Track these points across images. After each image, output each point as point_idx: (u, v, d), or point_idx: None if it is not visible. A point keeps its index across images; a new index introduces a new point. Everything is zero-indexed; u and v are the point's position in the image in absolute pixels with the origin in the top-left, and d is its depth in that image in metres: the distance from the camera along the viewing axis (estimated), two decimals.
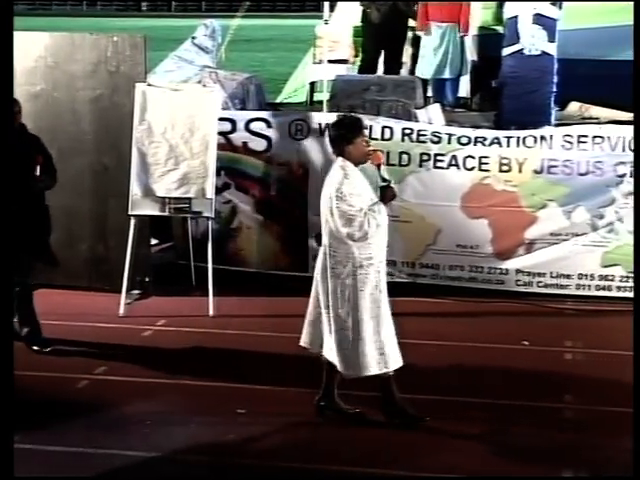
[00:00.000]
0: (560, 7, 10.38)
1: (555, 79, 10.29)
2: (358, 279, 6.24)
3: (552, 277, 9.15)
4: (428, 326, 8.27)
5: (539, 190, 9.11)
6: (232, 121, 9.54)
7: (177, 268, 9.62)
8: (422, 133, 9.25)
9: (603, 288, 9.08)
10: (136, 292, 9.09)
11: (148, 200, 8.74)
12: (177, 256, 9.81)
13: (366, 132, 6.46)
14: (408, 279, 9.23)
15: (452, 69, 11.39)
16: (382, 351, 6.30)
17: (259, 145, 9.55)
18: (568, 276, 9.12)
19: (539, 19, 10.27)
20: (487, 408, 6.79)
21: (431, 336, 7.97)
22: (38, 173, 7.55)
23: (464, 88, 11.79)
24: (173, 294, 9.14)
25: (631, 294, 8.94)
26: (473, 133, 9.25)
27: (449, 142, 9.21)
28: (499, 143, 9.16)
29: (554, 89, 10.31)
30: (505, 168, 9.14)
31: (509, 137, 9.16)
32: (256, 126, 9.54)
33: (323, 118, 9.44)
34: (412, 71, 11.71)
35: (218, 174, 9.11)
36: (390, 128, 9.25)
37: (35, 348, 7.63)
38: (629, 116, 10.01)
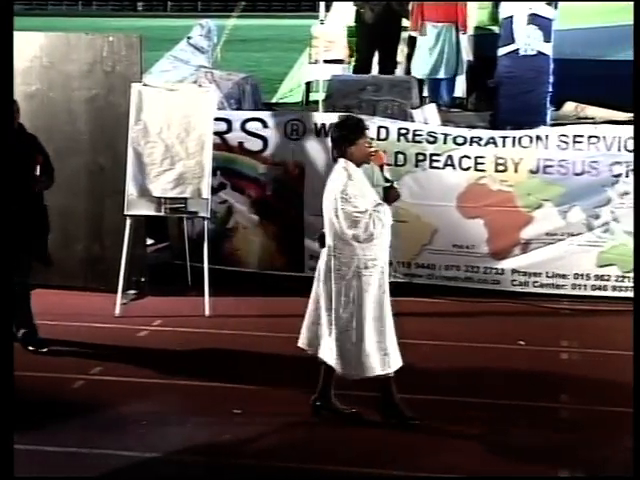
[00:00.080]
0: (556, 7, 10.38)
1: (551, 79, 10.30)
2: (363, 280, 6.24)
3: (548, 277, 9.16)
4: (424, 326, 8.26)
5: (535, 190, 9.12)
6: (228, 121, 9.53)
7: (173, 268, 9.62)
8: (418, 133, 9.25)
9: (599, 288, 9.09)
10: (132, 292, 9.08)
11: (144, 200, 8.74)
12: (173, 256, 9.80)
13: (368, 132, 6.47)
14: (404, 279, 9.23)
15: (448, 69, 11.40)
16: (385, 352, 6.31)
17: (255, 145, 9.54)
18: (564, 276, 9.13)
19: (535, 19, 10.27)
20: (484, 408, 6.79)
21: (427, 336, 7.97)
22: (38, 173, 7.56)
23: (460, 88, 11.80)
24: (169, 294, 9.14)
25: (627, 294, 8.96)
26: (469, 133, 9.26)
27: (445, 142, 9.22)
28: (495, 143, 9.17)
29: (550, 89, 10.31)
30: (501, 168, 9.15)
31: (505, 137, 9.17)
32: (252, 126, 9.54)
33: (320, 118, 9.45)
34: (408, 71, 11.71)
35: (214, 174, 9.10)
36: (386, 128, 9.25)
37: (31, 348, 7.62)
38: (625, 116, 10.04)
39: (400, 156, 9.19)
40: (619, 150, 8.96)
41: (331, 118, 9.36)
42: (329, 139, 9.10)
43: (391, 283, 6.46)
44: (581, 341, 8.07)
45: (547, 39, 10.26)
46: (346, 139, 6.27)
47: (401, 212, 9.03)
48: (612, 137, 8.98)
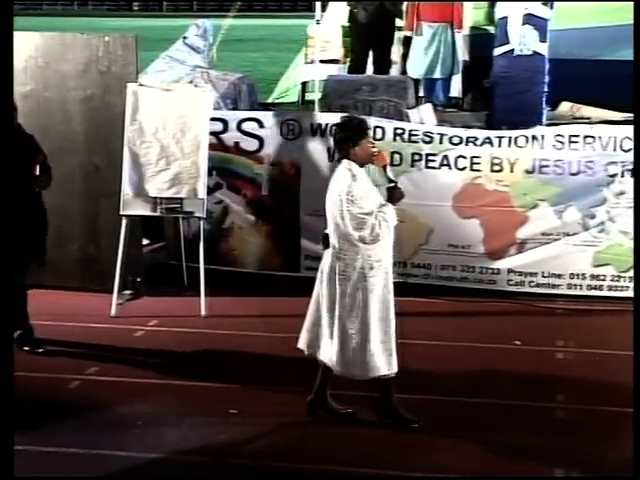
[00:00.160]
0: (551, 7, 10.40)
1: (546, 79, 10.31)
2: (368, 281, 6.24)
3: (544, 277, 9.16)
4: (420, 326, 8.26)
5: (530, 190, 9.13)
6: (224, 121, 9.53)
7: (169, 268, 9.61)
8: (414, 133, 9.25)
9: (594, 288, 9.10)
10: (128, 292, 9.08)
11: (140, 200, 8.73)
12: (169, 256, 9.80)
13: (371, 133, 6.47)
14: (400, 279, 9.21)
15: (443, 69, 11.41)
16: (390, 352, 6.31)
17: (251, 145, 9.54)
18: (559, 276, 9.13)
19: (530, 19, 10.29)
20: (480, 408, 6.80)
21: (423, 336, 7.97)
22: (38, 173, 7.56)
23: (456, 88, 11.81)
24: (165, 294, 9.13)
25: (622, 293, 8.98)
26: (465, 133, 9.26)
27: (441, 142, 9.22)
28: (491, 143, 9.18)
29: (545, 89, 10.33)
30: (497, 168, 9.16)
31: (500, 137, 9.18)
32: (248, 126, 9.54)
33: (317, 118, 9.45)
34: (404, 71, 11.71)
35: (210, 174, 9.10)
36: (382, 128, 9.25)
37: (26, 349, 7.61)
38: (620, 116, 10.05)
39: (396, 156, 9.19)
40: (615, 150, 8.97)
41: (327, 118, 9.42)
42: (325, 139, 9.34)
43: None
44: (577, 341, 8.07)
45: (543, 39, 10.28)
46: (349, 140, 6.27)
47: (397, 212, 9.05)
48: (608, 137, 8.99)
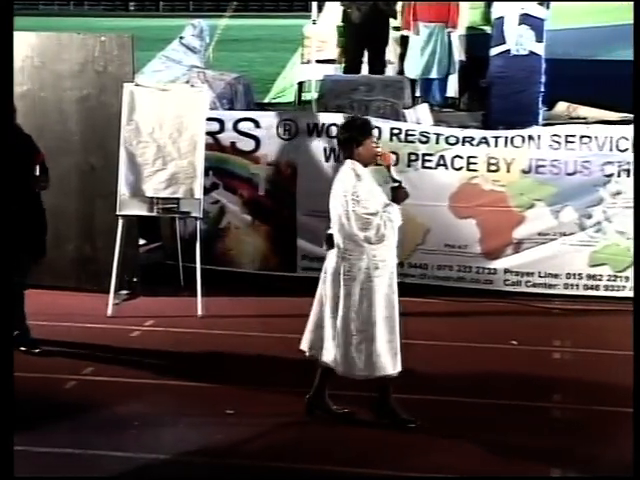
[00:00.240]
0: (548, 7, 10.40)
1: (543, 79, 10.31)
2: (374, 281, 6.24)
3: (540, 277, 9.16)
4: (416, 326, 8.24)
5: (527, 190, 9.13)
6: (220, 121, 9.52)
7: (165, 268, 9.60)
8: (410, 133, 9.25)
9: (591, 287, 9.11)
10: (124, 292, 9.07)
11: (136, 200, 8.72)
12: (165, 256, 9.79)
13: (383, 133, 6.46)
14: (397, 279, 9.21)
15: (440, 69, 11.41)
16: (395, 351, 6.32)
17: (247, 145, 9.54)
18: (556, 275, 9.14)
19: (527, 19, 10.29)
20: (477, 407, 6.80)
21: (419, 336, 7.96)
22: (38, 173, 7.56)
23: (452, 88, 11.81)
24: (161, 294, 9.12)
25: (619, 293, 8.99)
26: (461, 133, 9.26)
27: (437, 142, 9.22)
28: (487, 143, 9.18)
29: (542, 89, 10.33)
30: (493, 168, 9.16)
31: (497, 137, 9.18)
32: (244, 126, 9.53)
33: (319, 118, 9.45)
34: (401, 71, 11.71)
35: (206, 174, 9.09)
36: (378, 128, 9.22)
37: (23, 349, 7.60)
38: (617, 116, 10.06)
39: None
40: (611, 150, 8.98)
41: (324, 118, 9.42)
42: (321, 139, 9.34)
43: None
44: (574, 340, 8.08)
45: (539, 39, 10.28)
46: (353, 140, 6.27)
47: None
48: (604, 137, 8.99)
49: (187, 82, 10.00)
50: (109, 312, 8.56)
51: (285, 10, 51.93)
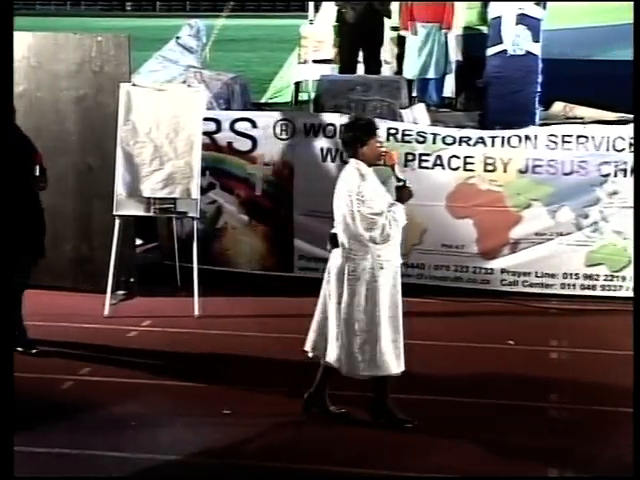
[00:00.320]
0: (544, 7, 10.41)
1: (539, 79, 10.33)
2: (379, 281, 6.23)
3: (537, 276, 9.17)
4: (413, 326, 8.20)
5: (524, 190, 9.14)
6: (217, 121, 9.52)
7: (162, 268, 9.60)
8: (407, 133, 9.25)
9: (587, 287, 9.11)
10: (121, 292, 9.07)
11: (133, 200, 8.72)
12: (162, 256, 9.79)
13: (380, 133, 6.46)
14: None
15: (437, 69, 11.42)
16: (399, 351, 6.32)
17: (244, 145, 9.53)
18: (553, 275, 9.14)
19: (523, 19, 10.30)
20: (473, 407, 6.80)
21: (416, 335, 7.92)
22: (38, 173, 7.57)
23: (449, 88, 11.81)
24: (158, 294, 9.12)
25: (615, 293, 9.00)
26: (458, 133, 9.27)
27: (434, 142, 9.22)
28: (484, 143, 9.18)
29: (538, 89, 10.34)
30: (490, 168, 9.16)
31: (494, 137, 9.18)
32: (241, 126, 9.53)
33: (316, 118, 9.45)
34: (399, 71, 11.71)
35: (203, 174, 9.09)
36: None
37: (20, 349, 7.59)
38: (613, 116, 10.07)
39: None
40: (608, 150, 8.98)
41: (321, 118, 9.43)
42: (318, 139, 9.34)
43: None
44: (570, 340, 8.08)
45: (536, 39, 10.29)
46: (358, 140, 6.26)
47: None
48: (601, 137, 9.00)
49: (184, 82, 10.00)
50: (106, 312, 8.55)
51: (282, 10, 51.90)
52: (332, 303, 6.34)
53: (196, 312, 8.57)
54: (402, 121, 9.74)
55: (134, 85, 8.81)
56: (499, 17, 10.41)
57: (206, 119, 9.21)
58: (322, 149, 9.35)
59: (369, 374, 6.33)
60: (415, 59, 11.41)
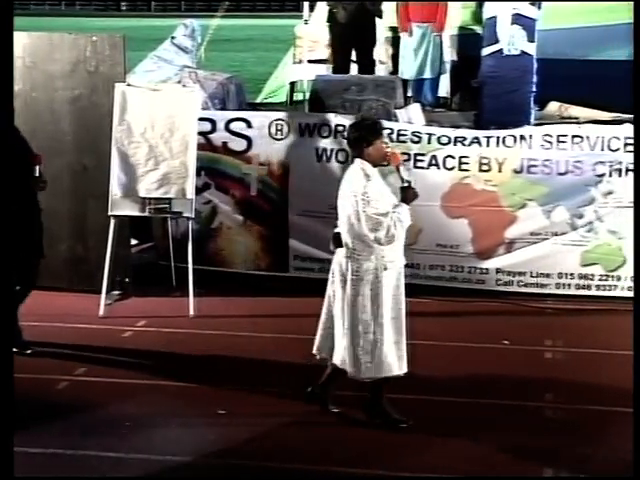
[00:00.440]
0: (539, 7, 10.40)
1: (535, 79, 10.31)
2: (382, 282, 6.23)
3: (532, 276, 9.17)
4: (409, 326, 8.24)
5: (519, 190, 9.14)
6: (212, 121, 9.51)
7: (157, 268, 9.60)
8: (402, 133, 9.26)
9: (583, 287, 9.12)
10: (116, 293, 9.06)
11: (128, 200, 8.71)
12: (157, 256, 9.78)
13: (386, 133, 6.45)
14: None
15: (432, 69, 11.41)
16: (401, 352, 6.31)
17: (239, 145, 9.53)
18: (548, 275, 9.15)
19: (518, 19, 10.28)
20: (470, 407, 6.79)
21: (411, 335, 7.93)
22: (37, 174, 7.58)
23: (444, 88, 11.80)
24: (153, 295, 9.12)
25: (610, 293, 9.01)
26: (453, 133, 9.27)
27: (429, 142, 9.23)
28: (479, 143, 9.19)
29: (534, 89, 10.33)
30: (485, 168, 9.17)
31: (489, 137, 9.19)
32: (236, 126, 9.53)
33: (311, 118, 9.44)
34: (394, 71, 11.70)
35: (198, 174, 9.08)
36: None
37: (14, 350, 7.58)
38: (608, 116, 10.06)
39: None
40: (602, 150, 8.99)
41: (316, 118, 9.43)
42: (313, 139, 9.33)
43: None
44: (565, 340, 8.09)
45: (531, 39, 10.28)
46: (363, 140, 6.25)
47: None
48: (596, 137, 9.01)
49: (179, 82, 9.99)
50: (101, 312, 8.55)
51: (277, 10, 51.94)
52: (336, 304, 6.34)
53: (191, 312, 8.57)
54: (397, 121, 9.73)
55: (129, 85, 8.80)
56: (494, 17, 10.39)
57: (201, 119, 9.20)
58: (317, 149, 9.35)
59: (372, 377, 6.32)
60: (412, 60, 11.40)
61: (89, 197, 9.10)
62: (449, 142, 9.20)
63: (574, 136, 9.05)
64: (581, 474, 5.89)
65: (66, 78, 9.09)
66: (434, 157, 9.20)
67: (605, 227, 9.02)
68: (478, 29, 11.22)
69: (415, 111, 10.22)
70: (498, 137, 9.16)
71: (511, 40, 10.29)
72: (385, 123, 9.31)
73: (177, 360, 7.67)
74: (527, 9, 10.31)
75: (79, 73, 9.06)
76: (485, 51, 10.49)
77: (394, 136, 9.22)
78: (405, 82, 11.28)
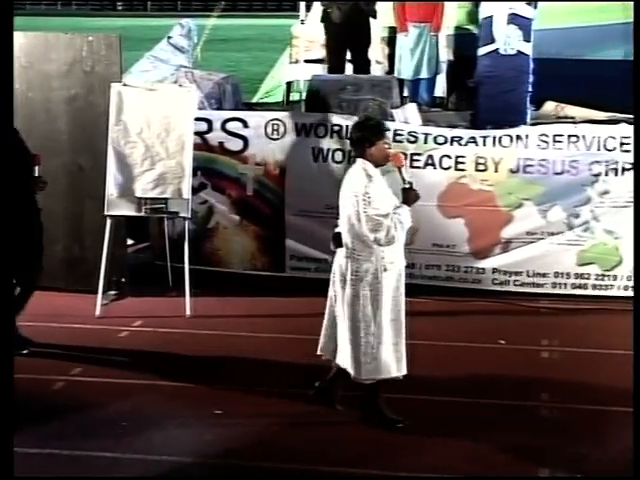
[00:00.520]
0: (535, 7, 10.41)
1: (531, 79, 10.32)
2: (382, 283, 6.22)
3: (528, 276, 9.18)
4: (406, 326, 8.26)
5: (515, 189, 9.14)
6: (208, 121, 9.51)
7: (153, 268, 9.59)
8: (399, 133, 9.26)
9: (579, 286, 9.13)
10: (112, 293, 9.06)
11: (124, 200, 8.71)
12: (153, 256, 9.78)
13: (389, 134, 6.45)
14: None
15: (429, 69, 11.42)
16: (400, 353, 6.31)
17: (235, 145, 9.53)
18: (544, 275, 9.15)
19: (515, 19, 10.28)
20: (466, 407, 6.80)
21: (408, 335, 7.96)
22: (37, 174, 7.58)
23: (440, 88, 11.81)
24: (150, 295, 9.11)
25: (606, 292, 9.02)
26: (449, 132, 9.27)
27: (425, 142, 9.23)
28: (475, 142, 9.19)
29: (530, 88, 10.33)
30: (481, 167, 9.17)
31: (485, 136, 9.19)
32: (232, 126, 9.52)
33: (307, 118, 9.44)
34: (390, 70, 11.70)
35: (194, 174, 9.08)
36: None
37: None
38: (604, 115, 10.07)
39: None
40: (599, 149, 9.00)
41: (312, 118, 9.43)
42: (309, 139, 9.33)
43: None
44: (561, 339, 8.09)
45: (527, 39, 10.28)
46: (366, 140, 6.24)
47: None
48: (592, 136, 9.01)
49: (175, 82, 9.98)
50: (97, 312, 8.54)
51: (273, 10, 51.89)
52: (338, 305, 6.34)
53: (187, 312, 8.57)
54: (393, 121, 9.73)
55: (125, 85, 8.80)
56: (490, 17, 10.39)
57: (197, 119, 9.20)
58: (314, 149, 9.35)
59: (371, 378, 6.32)
60: (408, 60, 11.40)
61: (85, 197, 9.10)
62: (445, 142, 9.21)
63: (570, 136, 9.06)
64: (580, 474, 5.90)
65: (62, 78, 9.09)
66: (430, 157, 9.20)
67: (601, 227, 9.02)
68: (474, 29, 11.23)
69: (411, 111, 10.22)
70: (494, 137, 9.17)
71: (507, 40, 10.29)
72: None
73: (173, 360, 7.66)
74: (523, 9, 10.31)
75: (75, 73, 9.05)
76: (481, 51, 10.49)
77: (390, 136, 9.20)
78: (401, 82, 11.28)
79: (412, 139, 9.24)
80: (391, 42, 11.83)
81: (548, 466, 5.97)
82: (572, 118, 10.22)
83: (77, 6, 59.52)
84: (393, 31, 11.82)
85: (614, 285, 9.04)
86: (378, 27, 11.82)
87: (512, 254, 9.19)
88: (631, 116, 9.15)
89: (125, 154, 8.67)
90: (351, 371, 6.32)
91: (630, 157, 8.87)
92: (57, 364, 7.49)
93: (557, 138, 9.08)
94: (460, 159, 9.18)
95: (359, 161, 6.27)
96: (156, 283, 9.28)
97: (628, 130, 8.93)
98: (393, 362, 6.29)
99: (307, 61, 12.43)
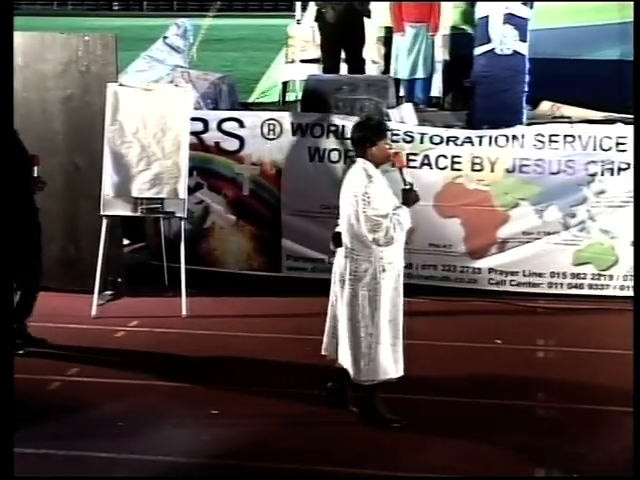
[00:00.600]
0: (531, 7, 10.41)
1: (527, 78, 10.32)
2: (380, 283, 6.21)
3: (524, 276, 9.18)
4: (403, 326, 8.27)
5: (511, 189, 9.15)
6: (204, 121, 9.50)
7: (150, 268, 9.58)
8: (395, 132, 9.24)
9: (575, 286, 9.13)
10: (108, 293, 9.05)
11: (120, 200, 8.70)
12: (150, 256, 9.77)
13: (389, 134, 6.43)
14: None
15: (425, 69, 11.42)
16: (398, 355, 6.31)
17: (231, 145, 9.52)
18: (540, 274, 9.15)
19: (511, 19, 10.28)
20: (463, 407, 6.80)
21: (404, 335, 7.96)
22: (36, 174, 7.57)
23: (436, 87, 11.81)
24: (146, 295, 9.10)
25: (603, 292, 9.02)
26: (445, 132, 9.27)
27: (421, 141, 9.23)
28: (471, 142, 9.19)
29: (526, 88, 10.33)
30: (477, 167, 9.17)
31: (481, 136, 9.19)
32: (228, 126, 9.52)
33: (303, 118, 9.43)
34: (386, 70, 11.70)
35: (190, 174, 9.07)
36: None
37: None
38: (600, 115, 10.08)
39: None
40: (595, 149, 9.00)
41: (308, 118, 9.43)
42: (305, 139, 9.33)
43: None
44: (558, 339, 8.09)
45: (523, 38, 10.28)
46: (367, 140, 6.23)
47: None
48: (588, 136, 9.01)
49: (171, 82, 9.97)
50: (93, 312, 8.54)
51: (269, 10, 51.93)
52: (338, 305, 6.33)
53: (184, 312, 8.56)
54: (389, 121, 9.72)
55: (121, 85, 8.79)
56: (486, 17, 10.39)
57: (193, 119, 9.19)
58: (310, 149, 9.35)
59: (370, 380, 6.31)
60: (404, 59, 11.40)
61: (81, 197, 9.09)
62: (441, 142, 9.21)
63: (566, 135, 9.06)
64: (578, 473, 5.89)
65: (58, 78, 9.08)
66: (426, 157, 9.20)
67: (597, 226, 9.03)
68: (470, 29, 11.23)
69: (407, 111, 10.22)
70: (490, 137, 9.17)
71: (503, 40, 10.29)
72: None
73: (170, 360, 7.66)
74: (519, 9, 10.31)
75: (71, 73, 9.04)
76: (477, 51, 10.49)
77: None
78: (398, 82, 11.29)
79: (408, 139, 9.23)
80: (387, 42, 11.83)
81: (547, 466, 5.97)
82: (568, 118, 10.23)
83: (73, 6, 59.49)
84: (389, 31, 11.83)
85: (610, 285, 9.05)
86: (374, 27, 11.82)
87: (508, 254, 9.19)
88: (627, 116, 9.17)
89: (121, 154, 8.67)
90: (350, 372, 6.31)
91: (626, 157, 8.88)
92: (53, 364, 7.48)
93: (553, 138, 9.08)
94: (456, 159, 9.18)
95: (360, 161, 6.26)
96: (152, 283, 9.27)
97: (624, 130, 8.94)
98: (391, 363, 6.29)
99: (303, 61, 12.43)
